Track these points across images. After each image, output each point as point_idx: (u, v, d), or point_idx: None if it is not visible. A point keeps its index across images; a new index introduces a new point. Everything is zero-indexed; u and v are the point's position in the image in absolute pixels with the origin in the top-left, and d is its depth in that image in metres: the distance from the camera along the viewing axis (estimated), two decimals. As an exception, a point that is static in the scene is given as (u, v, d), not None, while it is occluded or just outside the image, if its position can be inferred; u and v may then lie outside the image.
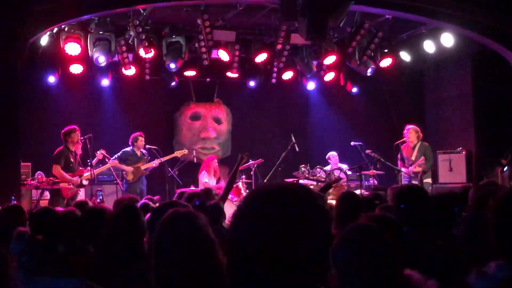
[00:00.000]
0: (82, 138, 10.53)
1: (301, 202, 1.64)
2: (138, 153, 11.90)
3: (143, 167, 11.83)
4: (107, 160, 11.52)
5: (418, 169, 11.42)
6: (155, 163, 11.86)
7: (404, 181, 11.76)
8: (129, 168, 11.71)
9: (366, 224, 2.68)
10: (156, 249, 2.81)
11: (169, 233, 2.83)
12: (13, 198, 8.46)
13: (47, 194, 10.54)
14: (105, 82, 12.83)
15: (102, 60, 11.53)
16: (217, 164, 12.43)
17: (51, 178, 10.01)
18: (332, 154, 12.92)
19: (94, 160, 11.08)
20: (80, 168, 10.50)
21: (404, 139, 11.79)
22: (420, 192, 4.18)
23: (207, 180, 12.03)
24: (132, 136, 11.93)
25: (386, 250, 2.50)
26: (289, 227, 1.59)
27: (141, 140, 11.89)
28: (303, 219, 1.61)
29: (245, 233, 1.63)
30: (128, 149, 11.92)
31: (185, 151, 12.60)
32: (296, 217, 1.61)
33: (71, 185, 10.24)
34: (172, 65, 12.17)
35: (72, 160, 10.34)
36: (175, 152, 12.44)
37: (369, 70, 13.26)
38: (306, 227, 1.61)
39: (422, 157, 11.48)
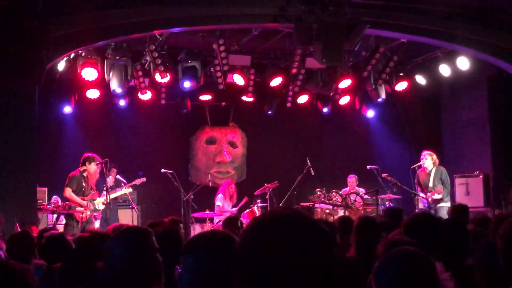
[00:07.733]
0: (98, 163, 10.54)
1: (299, 227, 1.63)
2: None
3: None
4: (122, 184, 11.53)
5: (438, 196, 11.29)
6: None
7: (423, 206, 11.65)
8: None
9: (412, 248, 2.68)
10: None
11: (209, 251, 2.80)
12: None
13: (62, 219, 10.55)
14: (122, 102, 12.90)
15: (118, 90, 11.58)
16: (234, 189, 12.38)
17: (67, 202, 10.03)
18: (351, 177, 12.85)
19: (108, 183, 11.05)
20: (93, 192, 10.47)
21: (420, 163, 11.70)
22: None
23: (220, 203, 11.97)
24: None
25: (432, 276, 2.52)
26: (293, 253, 1.59)
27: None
28: (304, 243, 1.61)
29: (250, 263, 1.62)
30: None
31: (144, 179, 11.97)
32: (297, 242, 1.60)
33: (84, 209, 10.22)
34: (187, 83, 12.11)
35: (84, 184, 10.32)
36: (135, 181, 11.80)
37: (380, 99, 13.26)
38: (307, 250, 1.60)
39: (440, 186, 11.36)
